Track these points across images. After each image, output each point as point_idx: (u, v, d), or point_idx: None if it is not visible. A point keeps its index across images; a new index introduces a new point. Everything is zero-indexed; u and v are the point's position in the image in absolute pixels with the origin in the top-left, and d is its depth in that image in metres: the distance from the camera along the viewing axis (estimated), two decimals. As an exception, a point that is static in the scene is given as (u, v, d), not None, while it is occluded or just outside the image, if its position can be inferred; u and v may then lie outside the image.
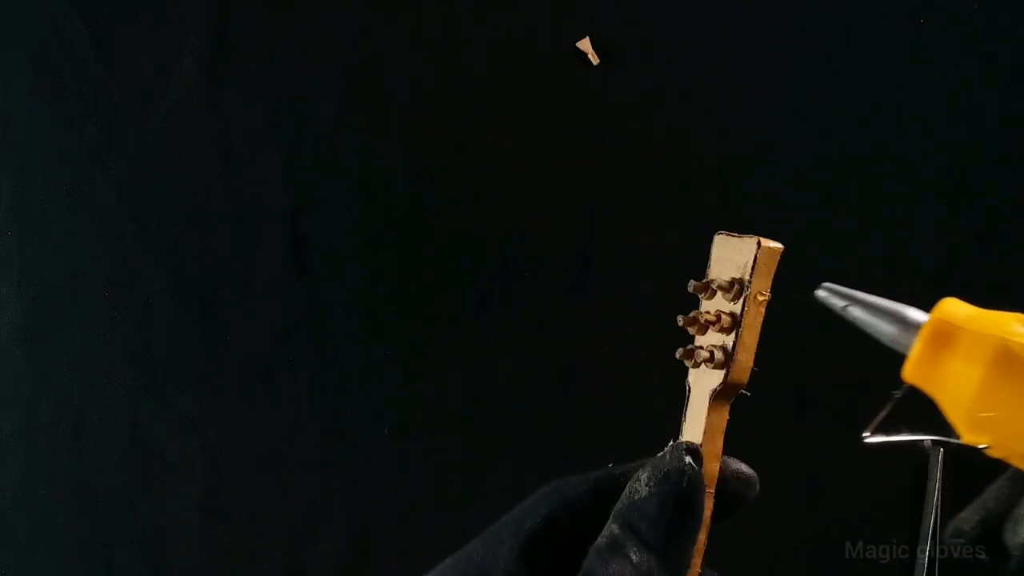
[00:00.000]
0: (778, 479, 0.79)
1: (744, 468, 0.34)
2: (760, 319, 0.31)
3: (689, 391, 0.33)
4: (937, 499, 0.76)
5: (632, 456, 0.81)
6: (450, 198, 0.80)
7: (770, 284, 0.31)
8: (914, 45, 0.78)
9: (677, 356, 0.33)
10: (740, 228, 0.86)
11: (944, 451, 0.77)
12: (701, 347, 0.32)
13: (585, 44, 0.80)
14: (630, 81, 0.80)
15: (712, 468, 0.32)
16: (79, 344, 0.81)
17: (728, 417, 0.33)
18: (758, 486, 0.34)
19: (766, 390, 0.87)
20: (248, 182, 0.80)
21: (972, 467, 0.85)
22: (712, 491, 0.32)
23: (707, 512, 0.31)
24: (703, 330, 0.32)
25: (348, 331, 0.80)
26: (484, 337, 0.79)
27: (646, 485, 0.31)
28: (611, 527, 0.30)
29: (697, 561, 0.31)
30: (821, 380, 0.78)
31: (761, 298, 0.31)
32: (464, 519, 0.75)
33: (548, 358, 0.79)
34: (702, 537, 0.31)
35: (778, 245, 0.31)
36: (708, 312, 0.32)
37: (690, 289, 0.33)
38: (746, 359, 0.32)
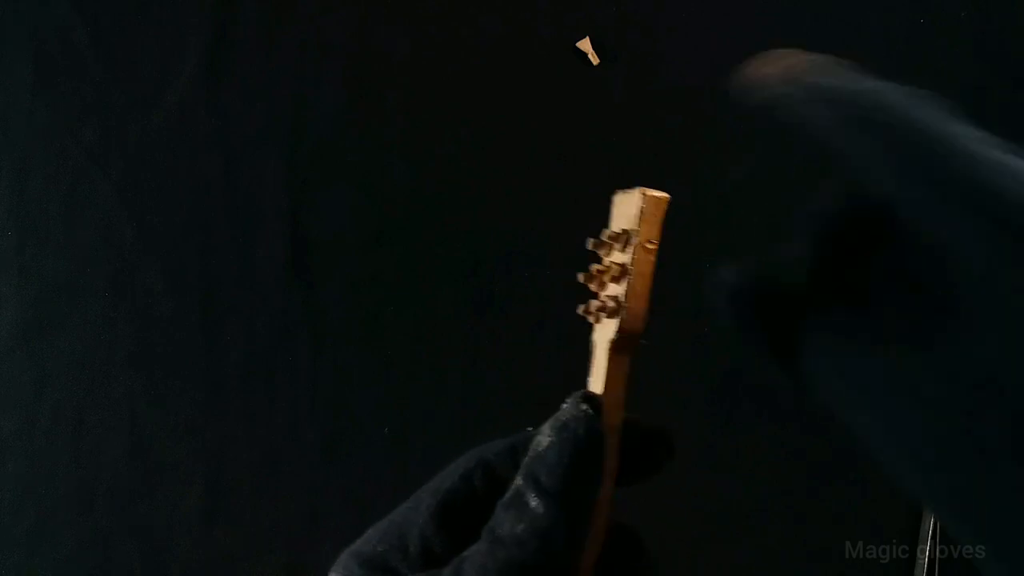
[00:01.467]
0: (778, 479, 0.80)
1: (656, 425, 0.34)
2: (650, 267, 0.32)
3: (594, 347, 0.34)
4: (937, 499, 0.76)
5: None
6: (450, 198, 0.80)
7: (658, 233, 0.32)
8: (914, 45, 0.78)
9: (579, 312, 0.33)
10: (738, 228, 0.87)
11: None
12: (598, 301, 0.33)
13: (585, 44, 0.80)
14: (630, 81, 0.80)
15: (614, 417, 0.32)
16: (79, 344, 0.81)
17: (628, 368, 0.33)
18: (672, 444, 0.34)
19: (765, 390, 0.87)
20: (248, 182, 0.80)
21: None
22: (615, 440, 0.32)
23: (611, 462, 0.31)
24: (602, 285, 0.33)
25: (348, 331, 0.80)
26: (484, 337, 0.79)
27: (548, 436, 0.31)
28: (516, 480, 0.30)
29: (604, 511, 0.31)
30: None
31: (650, 246, 0.32)
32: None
33: (548, 358, 0.79)
34: (608, 486, 0.31)
35: (664, 194, 0.32)
36: (603, 266, 0.33)
37: (589, 247, 0.33)
38: (638, 305, 0.32)
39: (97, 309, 0.81)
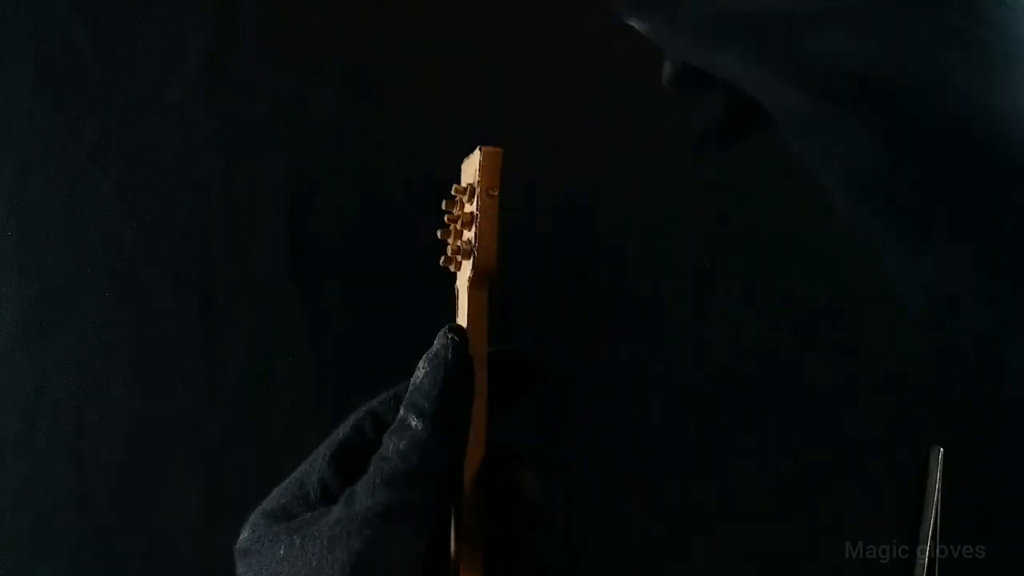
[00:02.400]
0: (778, 478, 0.80)
1: (522, 353, 0.39)
2: (494, 211, 0.37)
3: (457, 291, 0.39)
4: (937, 499, 0.76)
5: (629, 452, 0.81)
6: (450, 198, 0.80)
7: (497, 182, 0.37)
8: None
9: (441, 264, 0.39)
10: (739, 230, 0.86)
11: (943, 451, 0.77)
12: (455, 247, 0.38)
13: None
14: (630, 81, 0.80)
15: (479, 345, 0.36)
16: (79, 344, 0.81)
17: (487, 301, 0.38)
18: (537, 368, 0.39)
19: (766, 389, 0.87)
20: (248, 182, 0.81)
21: (972, 467, 0.85)
22: (482, 365, 0.36)
23: (480, 383, 0.36)
24: (457, 234, 0.38)
25: (348, 331, 0.80)
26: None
27: (423, 368, 0.35)
28: (400, 413, 0.35)
29: (479, 429, 0.36)
30: (820, 379, 0.78)
31: (492, 193, 0.37)
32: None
33: (547, 358, 0.79)
34: (480, 406, 0.35)
35: (498, 148, 0.36)
36: (455, 217, 0.38)
37: (443, 207, 0.39)
38: (488, 244, 0.37)
39: (97, 309, 0.81)
